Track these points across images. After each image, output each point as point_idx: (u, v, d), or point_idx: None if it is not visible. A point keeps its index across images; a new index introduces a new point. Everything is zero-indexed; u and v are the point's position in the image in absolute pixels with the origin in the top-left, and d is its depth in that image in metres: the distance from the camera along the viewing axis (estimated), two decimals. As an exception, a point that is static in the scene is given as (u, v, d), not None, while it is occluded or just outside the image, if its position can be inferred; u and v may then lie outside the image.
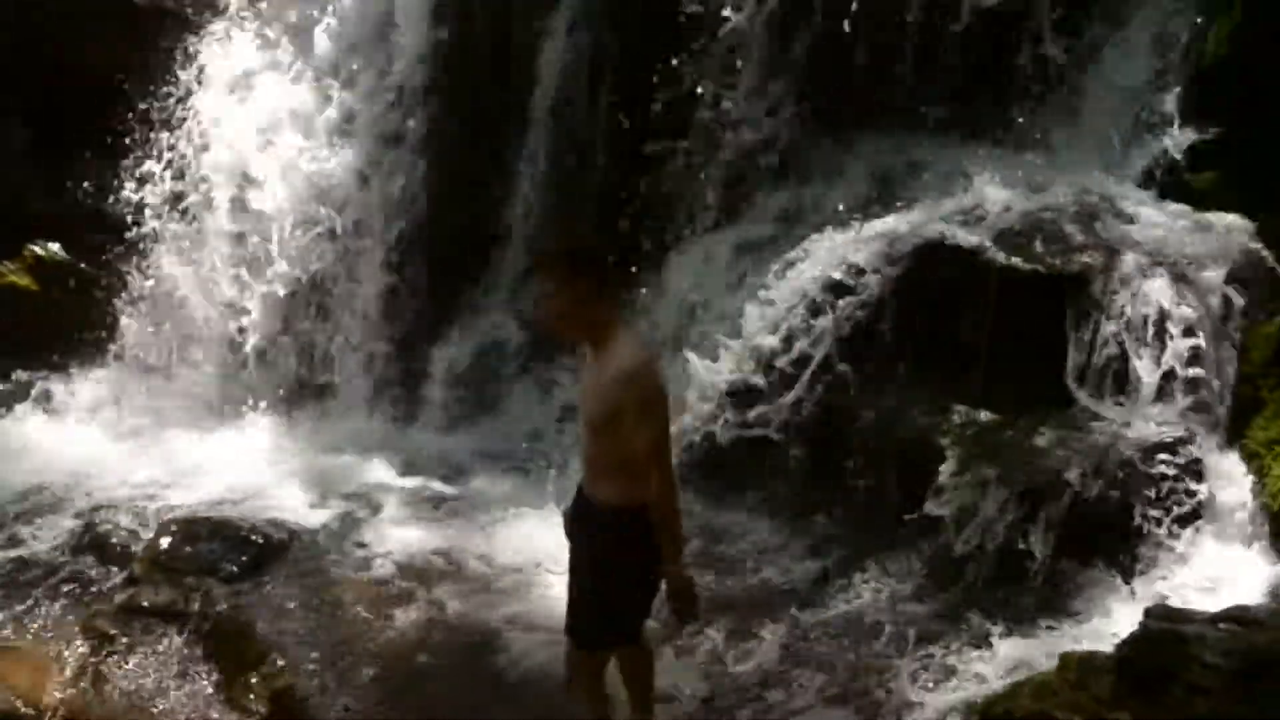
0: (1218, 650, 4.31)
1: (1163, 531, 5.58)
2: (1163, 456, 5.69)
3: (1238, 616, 4.65)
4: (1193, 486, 5.67)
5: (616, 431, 4.20)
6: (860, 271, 6.40)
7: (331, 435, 7.93)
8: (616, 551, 4.35)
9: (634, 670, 4.74)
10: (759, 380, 6.49)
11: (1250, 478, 5.73)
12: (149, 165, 8.46)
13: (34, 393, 8.22)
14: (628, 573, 4.37)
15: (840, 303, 6.39)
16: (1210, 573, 5.48)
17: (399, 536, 6.72)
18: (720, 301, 7.07)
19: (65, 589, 6.26)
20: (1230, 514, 5.66)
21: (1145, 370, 5.94)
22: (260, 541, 6.56)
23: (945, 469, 5.91)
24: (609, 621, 4.50)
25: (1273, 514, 5.57)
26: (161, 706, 5.54)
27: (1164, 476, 5.66)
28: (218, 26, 8.59)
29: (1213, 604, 5.03)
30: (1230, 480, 5.75)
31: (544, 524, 6.23)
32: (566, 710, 5.07)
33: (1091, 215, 6.46)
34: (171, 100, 8.45)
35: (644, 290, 7.44)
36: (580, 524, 4.52)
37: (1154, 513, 5.59)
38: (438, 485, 7.24)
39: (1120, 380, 6.00)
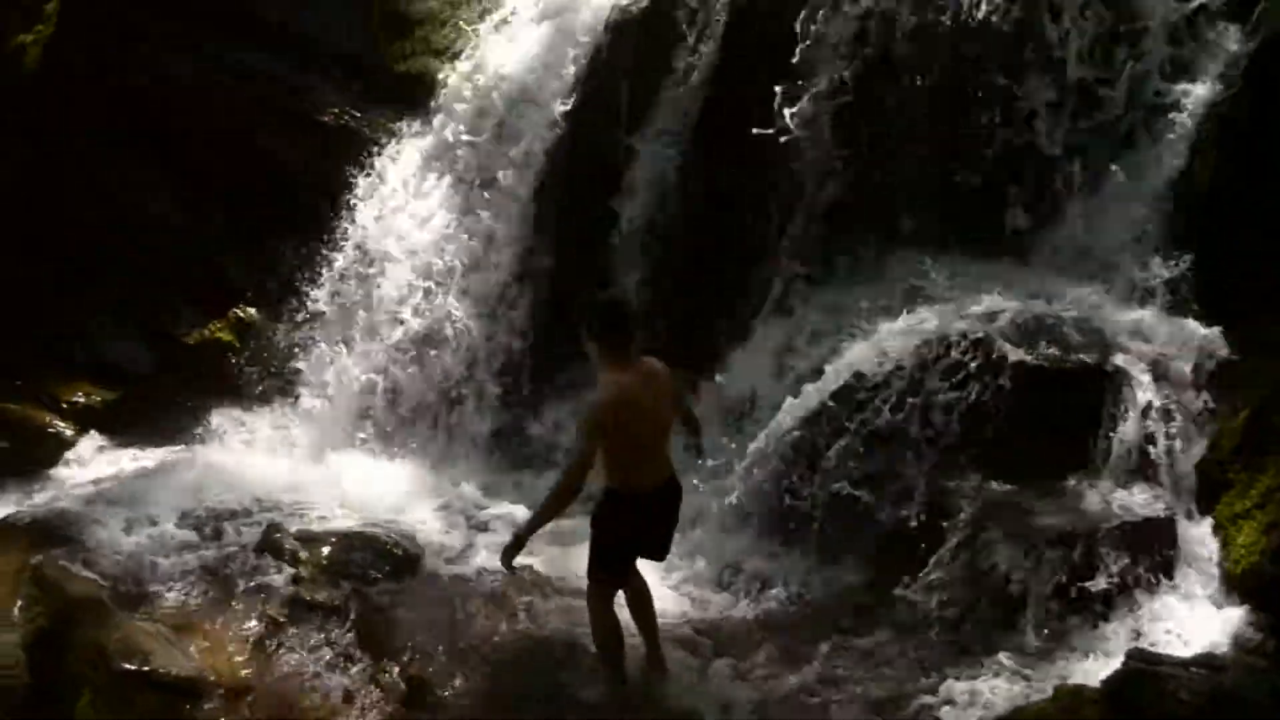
0: (1190, 689, 4.24)
1: (1141, 588, 5.45)
2: (1144, 525, 5.57)
3: (1206, 661, 4.57)
4: (1168, 551, 5.55)
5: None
6: (895, 358, 6.34)
7: (459, 470, 7.94)
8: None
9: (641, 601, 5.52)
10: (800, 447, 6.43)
11: (1217, 546, 5.58)
12: (328, 247, 8.64)
13: (231, 427, 8.35)
14: None
15: (872, 384, 6.33)
16: (1181, 625, 5.33)
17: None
18: (771, 386, 7.04)
19: (246, 582, 6.32)
20: (1200, 576, 5.52)
21: (1131, 450, 5.84)
22: (400, 554, 6.58)
23: (959, 526, 5.82)
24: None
25: (1236, 577, 5.41)
26: (318, 682, 5.61)
27: (1144, 542, 5.54)
28: (390, 143, 8.82)
29: (1184, 651, 4.91)
30: (1201, 547, 5.62)
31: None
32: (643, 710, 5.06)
33: (1087, 320, 6.37)
34: (349, 196, 8.66)
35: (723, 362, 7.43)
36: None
37: (1135, 572, 5.46)
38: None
39: (1109, 458, 5.90)
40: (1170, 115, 6.78)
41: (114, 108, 9.00)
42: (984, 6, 6.98)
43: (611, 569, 5.32)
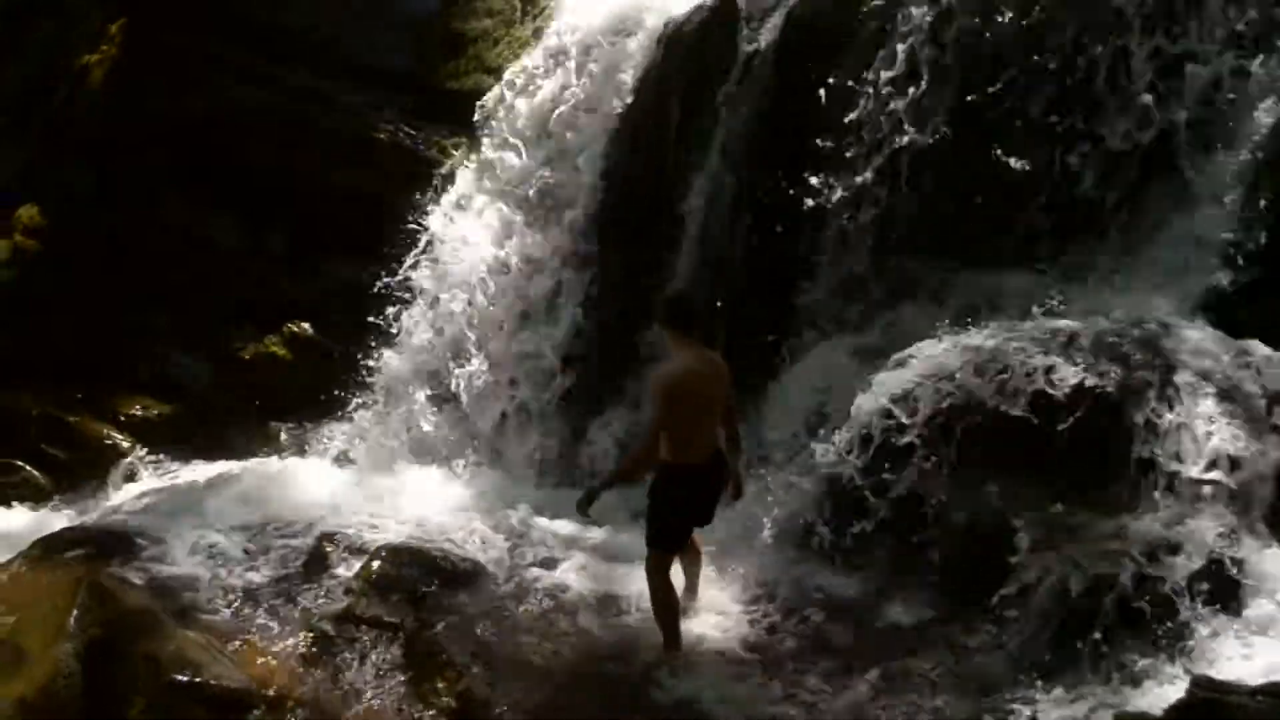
0: (1257, 718, 4.08)
1: (1207, 614, 5.29)
2: (1209, 549, 5.42)
3: (1275, 690, 4.41)
4: (1234, 577, 5.39)
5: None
6: (955, 376, 6.26)
7: (511, 487, 7.97)
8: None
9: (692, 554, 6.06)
10: (859, 465, 6.36)
11: (1287, 572, 5.42)
12: (382, 264, 8.74)
13: (285, 440, 8.49)
14: None
15: (933, 402, 6.24)
16: (1249, 652, 5.16)
17: (558, 574, 6.67)
18: (837, 396, 6.97)
19: (298, 596, 6.35)
20: (1268, 602, 5.35)
21: (1196, 473, 5.69)
22: (451, 569, 6.56)
23: (1019, 549, 5.71)
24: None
25: (1306, 606, 5.25)
26: (368, 697, 5.62)
27: (1209, 567, 5.38)
28: (444, 161, 8.90)
29: (1252, 679, 4.75)
30: (1268, 575, 5.44)
31: (678, 573, 6.15)
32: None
33: (1149, 338, 6.24)
34: (403, 213, 8.76)
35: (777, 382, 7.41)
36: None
37: (1200, 598, 5.31)
38: (592, 534, 7.11)
39: (1172, 481, 5.75)
40: (1235, 130, 6.66)
41: (176, 134, 9.19)
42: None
43: (670, 540, 5.76)
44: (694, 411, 5.56)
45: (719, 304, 7.57)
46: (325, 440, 8.48)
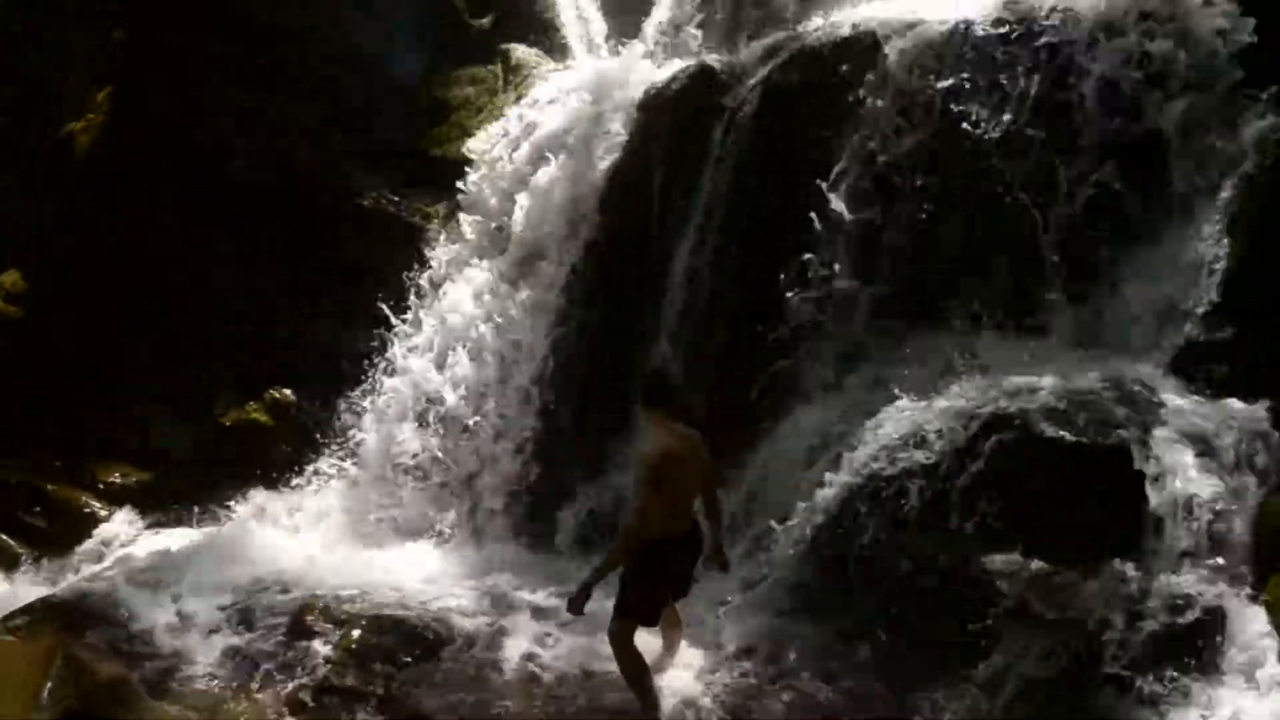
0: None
1: (1193, 673, 5.28)
2: (1193, 608, 5.41)
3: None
4: (1219, 635, 5.38)
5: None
6: (934, 434, 6.29)
7: (490, 554, 7.94)
8: None
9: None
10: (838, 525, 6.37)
11: (1270, 629, 5.40)
12: (364, 329, 8.79)
13: (264, 508, 8.44)
14: None
15: (913, 460, 6.27)
16: (1237, 711, 5.13)
17: (536, 641, 6.61)
18: (808, 463, 6.98)
19: (275, 665, 6.29)
20: (1252, 662, 5.33)
21: (1175, 530, 5.68)
22: (430, 638, 6.53)
23: (999, 606, 5.71)
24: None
25: (1291, 663, 5.24)
26: (344, 770, 5.55)
27: (1194, 625, 5.38)
28: (428, 226, 8.99)
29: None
30: (1253, 632, 5.42)
31: (655, 640, 6.11)
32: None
33: (1127, 396, 6.29)
34: (386, 278, 8.82)
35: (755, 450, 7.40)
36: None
37: (1185, 657, 5.29)
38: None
39: (1153, 538, 5.76)
40: (1204, 192, 6.78)
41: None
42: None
43: (639, 612, 5.73)
44: (677, 486, 5.65)
45: (700, 374, 7.62)
46: (305, 508, 8.44)
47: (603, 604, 6.75)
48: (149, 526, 8.38)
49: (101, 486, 8.68)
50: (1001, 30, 7.31)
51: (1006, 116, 7.12)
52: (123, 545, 8.20)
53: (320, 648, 6.40)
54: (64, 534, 8.25)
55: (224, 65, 9.31)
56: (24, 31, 9.97)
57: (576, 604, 5.57)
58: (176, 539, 8.14)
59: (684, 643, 6.19)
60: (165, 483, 8.70)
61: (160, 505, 8.52)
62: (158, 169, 9.25)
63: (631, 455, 6.70)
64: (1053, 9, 7.34)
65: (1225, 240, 6.58)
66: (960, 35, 7.41)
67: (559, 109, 9.00)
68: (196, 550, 7.83)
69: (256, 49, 9.29)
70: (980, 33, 7.35)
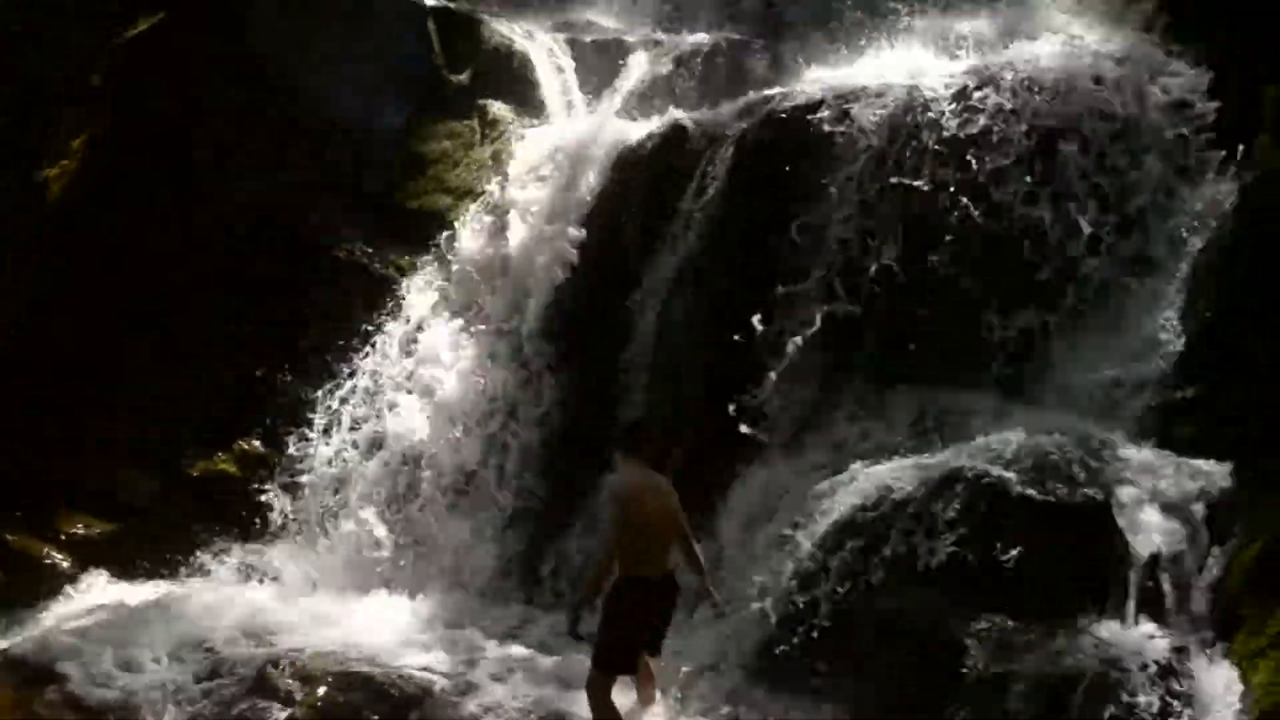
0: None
1: (1159, 725, 5.34)
2: (1158, 664, 5.47)
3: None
4: (1185, 692, 5.43)
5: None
6: (901, 493, 6.33)
7: (462, 608, 7.85)
8: None
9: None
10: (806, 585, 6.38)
11: (1235, 684, 5.46)
12: (335, 381, 8.78)
13: (231, 562, 8.32)
14: None
15: (880, 519, 6.30)
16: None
17: (509, 695, 6.55)
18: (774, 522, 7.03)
19: (241, 725, 6.19)
20: (1220, 717, 5.39)
21: (1141, 587, 5.78)
22: (399, 695, 6.45)
23: (969, 665, 5.73)
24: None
25: (1256, 718, 5.29)
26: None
27: (1161, 681, 5.42)
28: (401, 280, 9.04)
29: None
30: (1218, 686, 5.48)
31: (629, 692, 6.07)
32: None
33: (1093, 456, 6.39)
34: (360, 331, 8.84)
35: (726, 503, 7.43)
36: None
37: (1153, 713, 5.34)
38: (545, 656, 7.03)
39: (1119, 595, 5.84)
40: (1168, 255, 6.98)
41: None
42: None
43: (615, 660, 5.85)
44: (647, 523, 5.78)
45: (676, 427, 7.66)
46: (273, 562, 8.33)
47: (569, 660, 6.81)
48: (114, 578, 8.23)
49: (63, 537, 8.52)
50: (962, 101, 7.53)
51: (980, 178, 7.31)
52: (86, 598, 8.04)
53: (285, 704, 6.32)
54: (24, 586, 8.07)
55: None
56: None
57: (572, 628, 5.81)
58: (140, 592, 8.01)
59: (663, 706, 6.16)
60: (129, 534, 8.55)
61: (125, 557, 8.36)
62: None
63: (602, 486, 6.82)
64: (1015, 73, 7.59)
65: (1189, 298, 6.76)
66: (920, 104, 7.62)
67: (535, 166, 9.12)
68: (160, 603, 7.72)
69: (252, 103, 9.38)
70: (939, 100, 7.57)
